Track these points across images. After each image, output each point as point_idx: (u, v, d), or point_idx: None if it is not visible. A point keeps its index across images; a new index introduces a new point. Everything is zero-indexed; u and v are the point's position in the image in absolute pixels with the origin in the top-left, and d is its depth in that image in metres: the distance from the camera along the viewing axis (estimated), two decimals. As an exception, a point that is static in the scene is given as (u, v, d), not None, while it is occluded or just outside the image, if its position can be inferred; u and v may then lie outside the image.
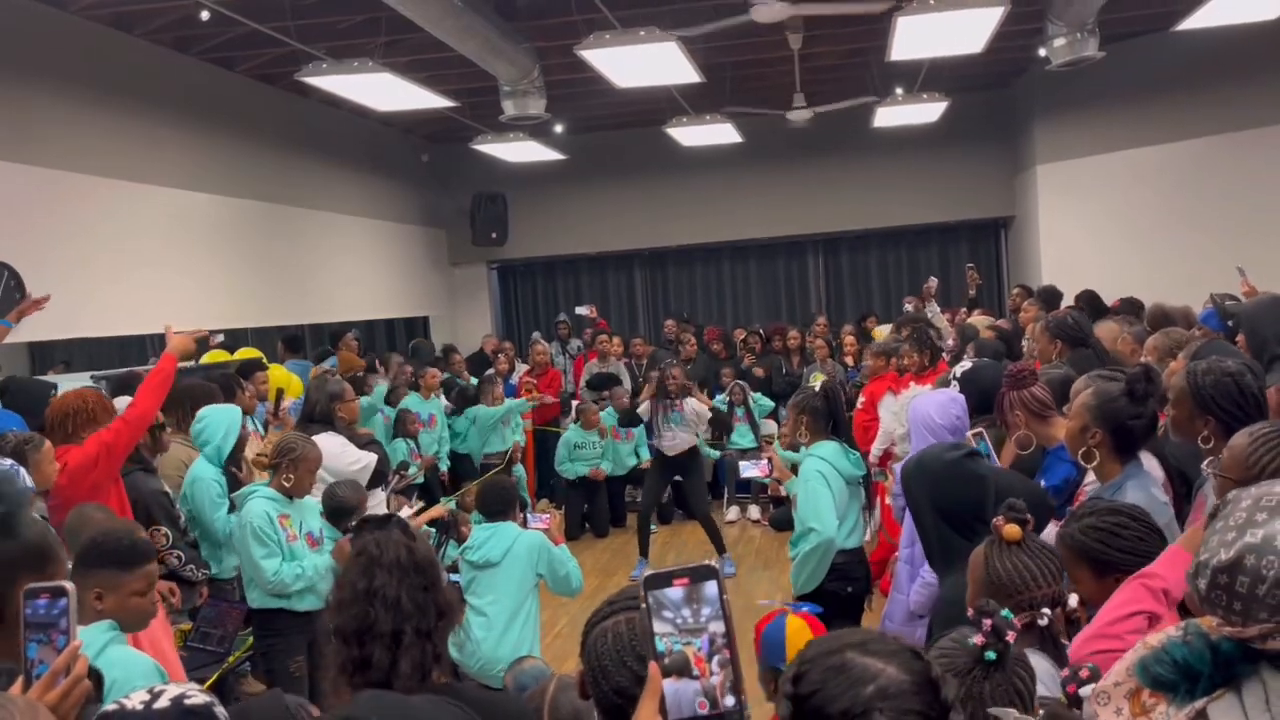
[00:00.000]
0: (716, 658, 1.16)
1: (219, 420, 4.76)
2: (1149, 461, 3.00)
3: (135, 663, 2.61)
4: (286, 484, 4.24)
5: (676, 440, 7.78)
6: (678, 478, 8.29)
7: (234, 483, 4.82)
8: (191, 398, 5.04)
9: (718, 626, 1.16)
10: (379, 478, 5.46)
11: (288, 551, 4.18)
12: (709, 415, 8.14)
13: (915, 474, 2.86)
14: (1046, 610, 2.04)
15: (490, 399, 8.85)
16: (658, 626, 1.16)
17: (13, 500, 1.83)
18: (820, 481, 4.25)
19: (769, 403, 9.49)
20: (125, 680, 2.37)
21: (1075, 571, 2.21)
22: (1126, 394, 2.74)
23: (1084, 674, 1.69)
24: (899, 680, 1.16)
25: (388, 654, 1.89)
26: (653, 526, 9.16)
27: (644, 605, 1.17)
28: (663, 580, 1.18)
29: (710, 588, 1.17)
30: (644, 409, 7.95)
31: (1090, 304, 7.50)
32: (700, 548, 8.22)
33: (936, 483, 2.76)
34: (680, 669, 1.15)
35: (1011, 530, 2.13)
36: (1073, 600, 2.08)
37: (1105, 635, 1.94)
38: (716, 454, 9.35)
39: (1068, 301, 7.52)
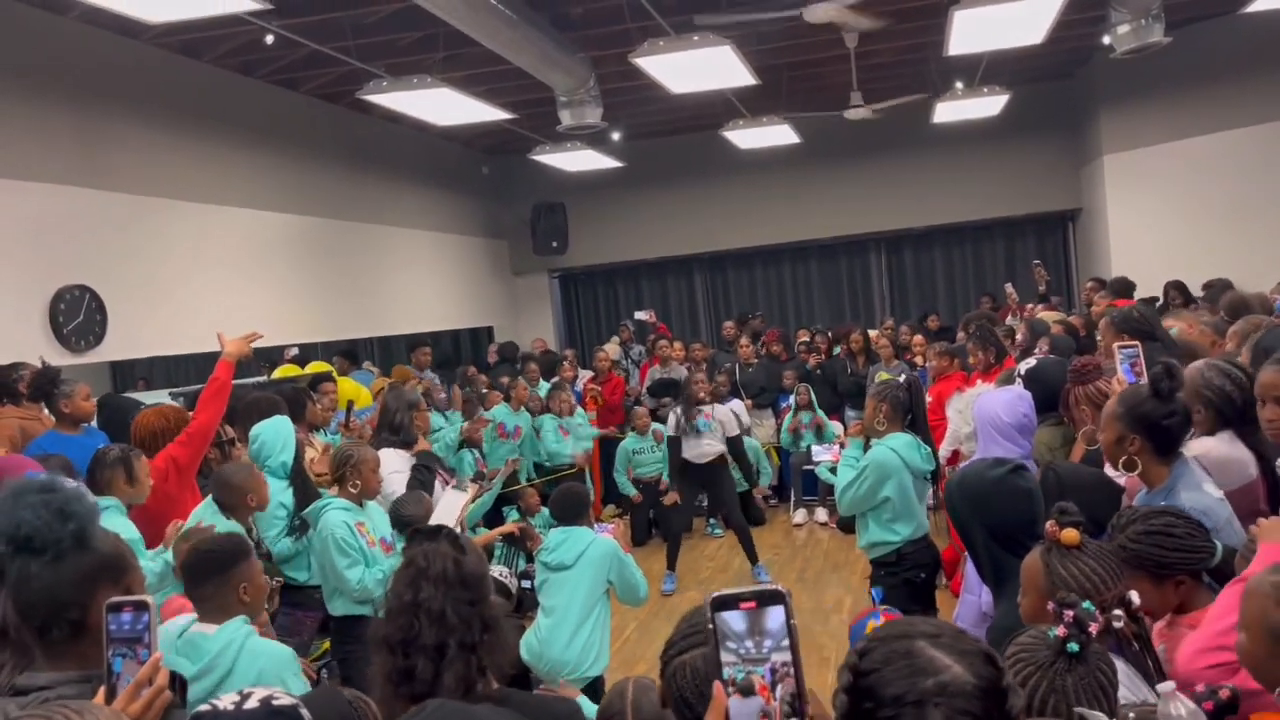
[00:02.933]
0: (780, 686, 1.18)
1: (274, 435, 4.79)
2: (1239, 451, 2.92)
3: (277, 653, 2.83)
4: (354, 490, 4.33)
5: (702, 448, 7.65)
6: (703, 487, 8.10)
7: (303, 499, 4.84)
8: (259, 410, 5.08)
9: (780, 656, 1.18)
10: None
11: (370, 557, 4.25)
12: (742, 424, 7.93)
13: (959, 494, 2.74)
14: (1119, 612, 1.97)
15: (556, 406, 8.92)
16: (723, 655, 1.19)
17: (84, 516, 1.88)
18: (875, 474, 4.34)
19: (834, 429, 9.37)
20: (273, 669, 2.66)
21: (1133, 583, 2.13)
22: (1153, 394, 2.70)
23: (1224, 695, 1.63)
24: (963, 680, 1.15)
25: (431, 666, 1.92)
26: (718, 531, 9.16)
27: (710, 628, 1.19)
28: (729, 602, 1.20)
29: (776, 614, 1.19)
30: (671, 424, 7.85)
31: (1180, 293, 7.36)
32: (767, 551, 8.18)
33: (982, 501, 2.65)
34: (747, 692, 1.18)
35: (1070, 535, 2.05)
36: (1134, 598, 2.03)
37: (1223, 647, 1.87)
38: (757, 443, 9.25)
39: (1153, 291, 7.37)
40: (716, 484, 7.87)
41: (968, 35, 6.90)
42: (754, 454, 8.90)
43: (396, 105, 7.67)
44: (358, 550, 4.21)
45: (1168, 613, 2.20)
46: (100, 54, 6.74)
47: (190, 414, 4.53)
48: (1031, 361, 4.17)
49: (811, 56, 9.05)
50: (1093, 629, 1.70)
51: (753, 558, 7.59)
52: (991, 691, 1.15)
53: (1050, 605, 1.77)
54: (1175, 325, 4.80)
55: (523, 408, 8.69)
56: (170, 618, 3.13)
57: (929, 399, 6.84)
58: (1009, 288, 9.68)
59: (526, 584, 5.32)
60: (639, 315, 11.86)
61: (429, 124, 8.88)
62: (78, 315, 6.30)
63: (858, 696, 1.18)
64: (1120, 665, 1.93)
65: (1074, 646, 1.68)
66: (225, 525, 3.93)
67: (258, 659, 2.74)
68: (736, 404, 8.19)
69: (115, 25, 6.57)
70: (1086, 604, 1.73)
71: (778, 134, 10.19)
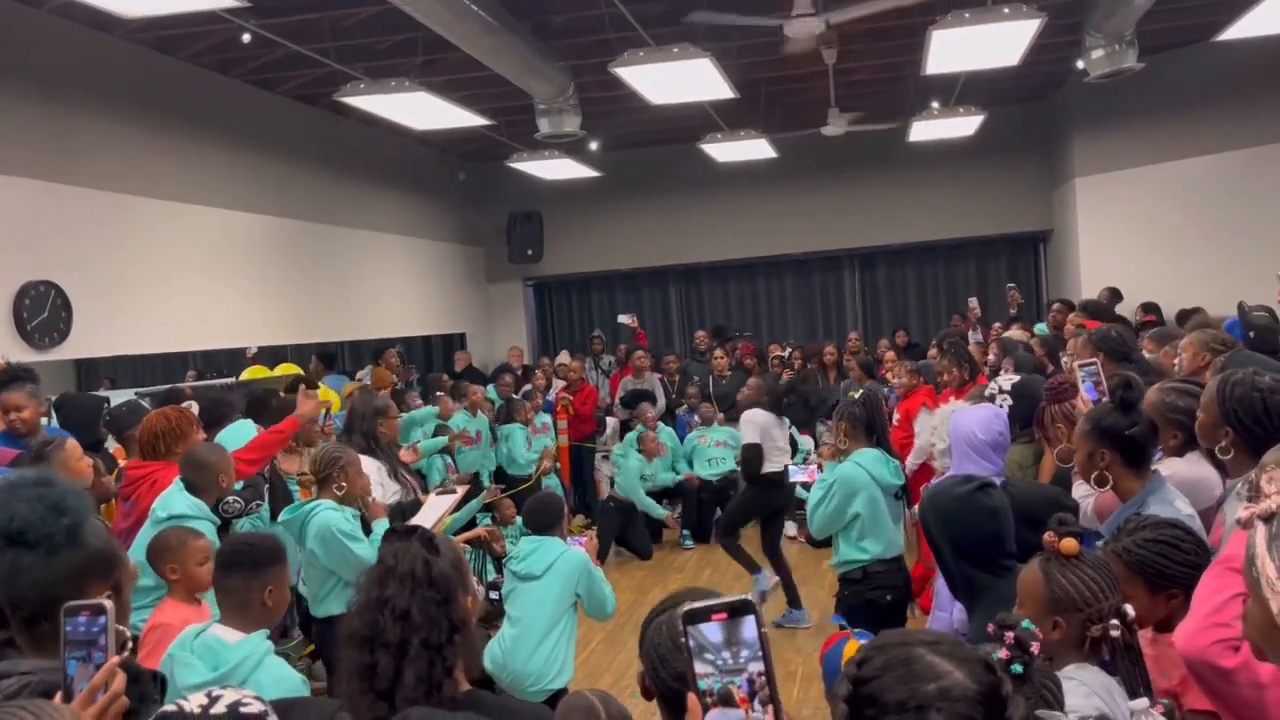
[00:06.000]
0: (758, 696, 1.18)
1: (235, 438, 4.79)
2: (1205, 471, 2.95)
3: (287, 677, 2.79)
4: (339, 492, 4.29)
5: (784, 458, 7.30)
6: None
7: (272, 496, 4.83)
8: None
9: (757, 666, 1.19)
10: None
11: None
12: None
13: (929, 510, 2.78)
14: (1115, 622, 2.00)
15: (523, 416, 8.91)
16: (699, 668, 1.19)
17: (78, 511, 1.90)
18: (842, 491, 4.34)
19: (802, 444, 9.36)
20: (282, 692, 2.58)
21: (1127, 588, 2.16)
22: (1115, 407, 2.74)
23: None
24: (964, 686, 1.16)
25: (393, 663, 1.92)
26: (689, 543, 9.15)
27: (684, 641, 1.20)
28: (701, 615, 1.20)
29: (749, 624, 1.19)
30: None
31: (1154, 314, 7.42)
32: (736, 564, 8.16)
33: (950, 519, 2.68)
34: (726, 700, 1.18)
35: (1069, 544, 2.06)
36: (1130, 611, 2.04)
37: (1221, 624, 1.91)
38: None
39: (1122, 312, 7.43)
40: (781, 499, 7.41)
41: (945, 55, 6.96)
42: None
43: (374, 108, 7.63)
44: (361, 540, 4.19)
45: (1152, 624, 2.22)
46: (74, 48, 6.65)
47: (191, 413, 4.60)
48: (1015, 377, 4.21)
49: (790, 72, 9.10)
50: (1034, 648, 1.71)
51: (753, 566, 7.29)
52: (992, 698, 1.16)
53: (990, 627, 1.78)
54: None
55: (479, 412, 8.67)
56: (168, 623, 3.10)
57: (897, 416, 6.89)
58: (973, 301, 9.78)
59: (495, 595, 5.27)
60: (622, 319, 11.86)
61: (406, 128, 8.84)
62: (42, 311, 6.19)
63: (859, 704, 1.18)
64: (1104, 679, 1.94)
65: (1018, 668, 1.69)
66: (191, 505, 3.91)
67: (271, 678, 2.72)
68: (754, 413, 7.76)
69: (90, 19, 6.49)
70: (1026, 623, 1.74)
71: (755, 148, 10.23)
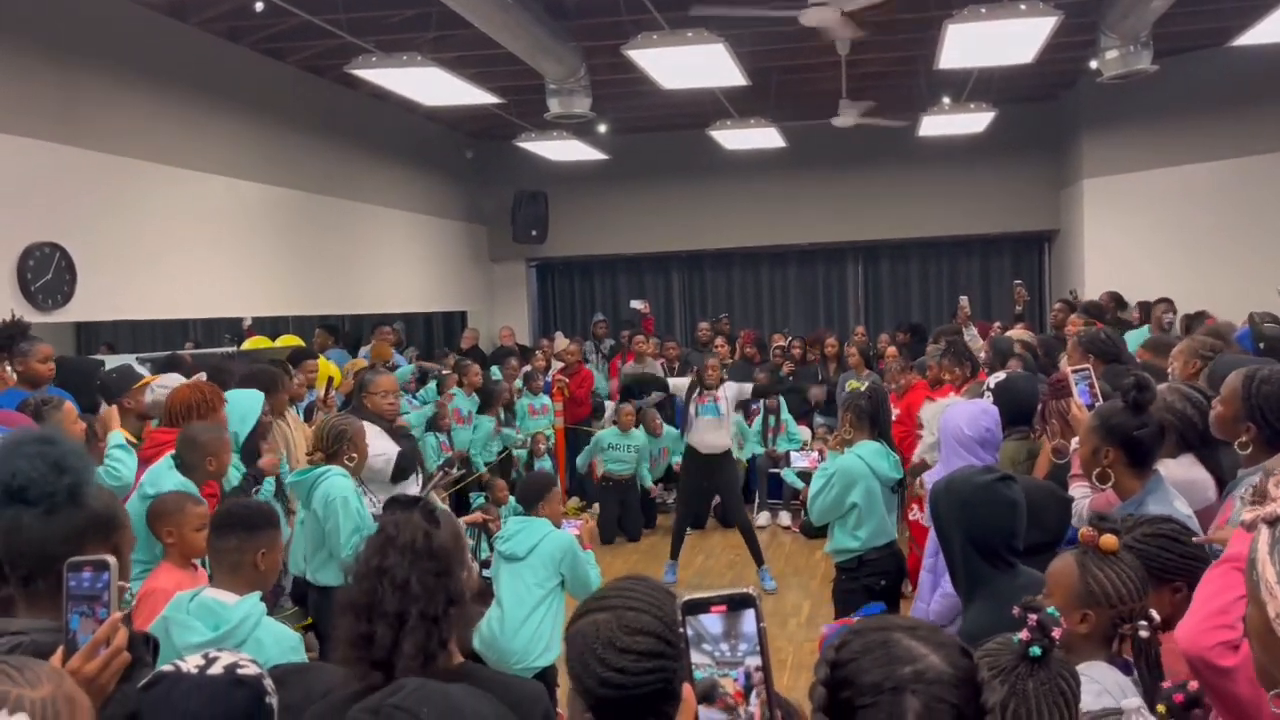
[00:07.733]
0: (754, 691, 1.18)
1: (233, 406, 4.74)
2: (1198, 474, 2.96)
3: (286, 636, 2.83)
4: (350, 463, 4.29)
5: (708, 437, 7.55)
6: (709, 478, 7.87)
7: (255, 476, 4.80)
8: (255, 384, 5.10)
9: (754, 660, 1.18)
10: (402, 473, 5.43)
11: (369, 526, 4.20)
12: (747, 393, 8.03)
13: (945, 497, 2.76)
14: (1144, 623, 2.00)
15: (496, 406, 8.91)
16: (696, 658, 1.18)
17: (80, 471, 1.90)
18: (841, 481, 4.44)
19: (798, 435, 9.38)
20: (279, 655, 2.62)
21: None
22: (1126, 407, 2.74)
23: (1193, 686, 1.71)
24: (940, 669, 1.17)
25: (391, 633, 1.91)
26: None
27: (682, 630, 1.19)
28: (701, 606, 1.19)
29: (748, 617, 1.18)
30: (677, 387, 7.83)
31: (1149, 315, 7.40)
32: (729, 553, 8.19)
33: (967, 507, 2.66)
34: (706, 694, 1.17)
35: (1109, 540, 2.05)
36: (1155, 615, 2.03)
37: (1224, 625, 1.89)
38: (754, 452, 9.27)
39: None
40: (723, 479, 7.77)
41: (959, 50, 6.93)
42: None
43: (384, 82, 7.60)
44: (362, 518, 4.19)
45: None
46: (85, 10, 6.62)
47: (219, 390, 4.55)
48: (1001, 375, 4.21)
49: (803, 61, 9.06)
50: (1056, 634, 1.71)
51: (758, 559, 7.47)
52: (967, 682, 1.17)
53: (1015, 609, 1.78)
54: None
55: (475, 393, 8.68)
56: (163, 588, 3.11)
57: (897, 411, 6.89)
58: (963, 299, 9.78)
59: (488, 574, 5.29)
60: (634, 304, 11.83)
61: (415, 103, 8.81)
62: (46, 273, 6.19)
63: (836, 686, 1.19)
64: (1119, 678, 1.94)
65: (1036, 650, 1.69)
66: (178, 484, 3.84)
67: (272, 636, 2.75)
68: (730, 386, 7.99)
69: (102, -19, 6.46)
70: (1051, 609, 1.74)
71: (764, 137, 10.20)
